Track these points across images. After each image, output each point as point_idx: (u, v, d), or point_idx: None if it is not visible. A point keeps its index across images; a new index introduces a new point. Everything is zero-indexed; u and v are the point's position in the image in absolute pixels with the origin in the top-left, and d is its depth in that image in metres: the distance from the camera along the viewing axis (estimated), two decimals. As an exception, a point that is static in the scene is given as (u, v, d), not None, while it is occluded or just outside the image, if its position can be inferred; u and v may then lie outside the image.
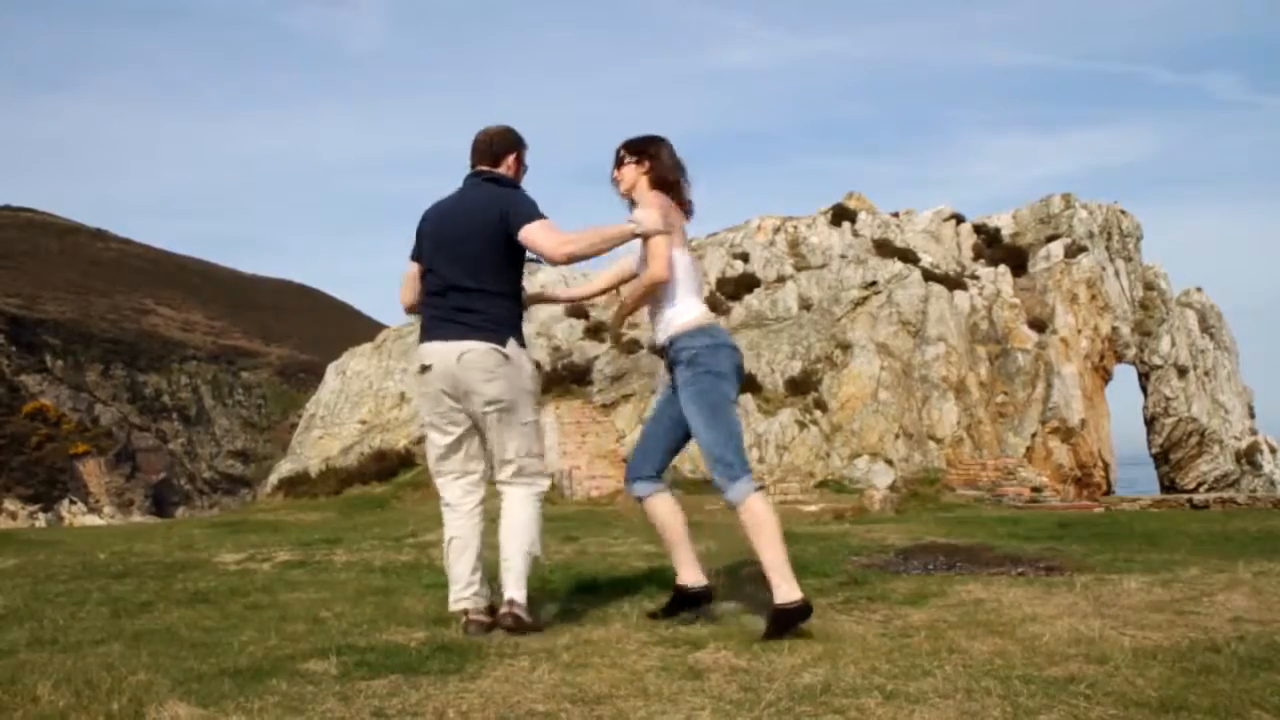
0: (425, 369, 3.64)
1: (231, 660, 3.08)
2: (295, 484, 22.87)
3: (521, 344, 3.68)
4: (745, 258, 24.20)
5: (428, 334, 3.68)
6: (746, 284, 23.30)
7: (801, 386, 19.55)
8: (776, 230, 25.18)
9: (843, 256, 23.47)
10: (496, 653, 3.11)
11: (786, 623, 3.30)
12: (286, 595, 4.71)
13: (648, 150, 3.73)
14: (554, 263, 3.66)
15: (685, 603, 3.71)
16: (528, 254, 3.69)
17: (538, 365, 20.79)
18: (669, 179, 3.70)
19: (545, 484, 3.80)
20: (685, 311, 3.60)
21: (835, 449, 18.61)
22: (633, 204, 3.73)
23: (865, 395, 19.20)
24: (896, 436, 18.78)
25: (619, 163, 3.77)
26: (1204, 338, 25.27)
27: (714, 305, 22.87)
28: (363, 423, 24.67)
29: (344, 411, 25.44)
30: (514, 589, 3.53)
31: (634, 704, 2.47)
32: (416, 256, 3.78)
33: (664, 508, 3.78)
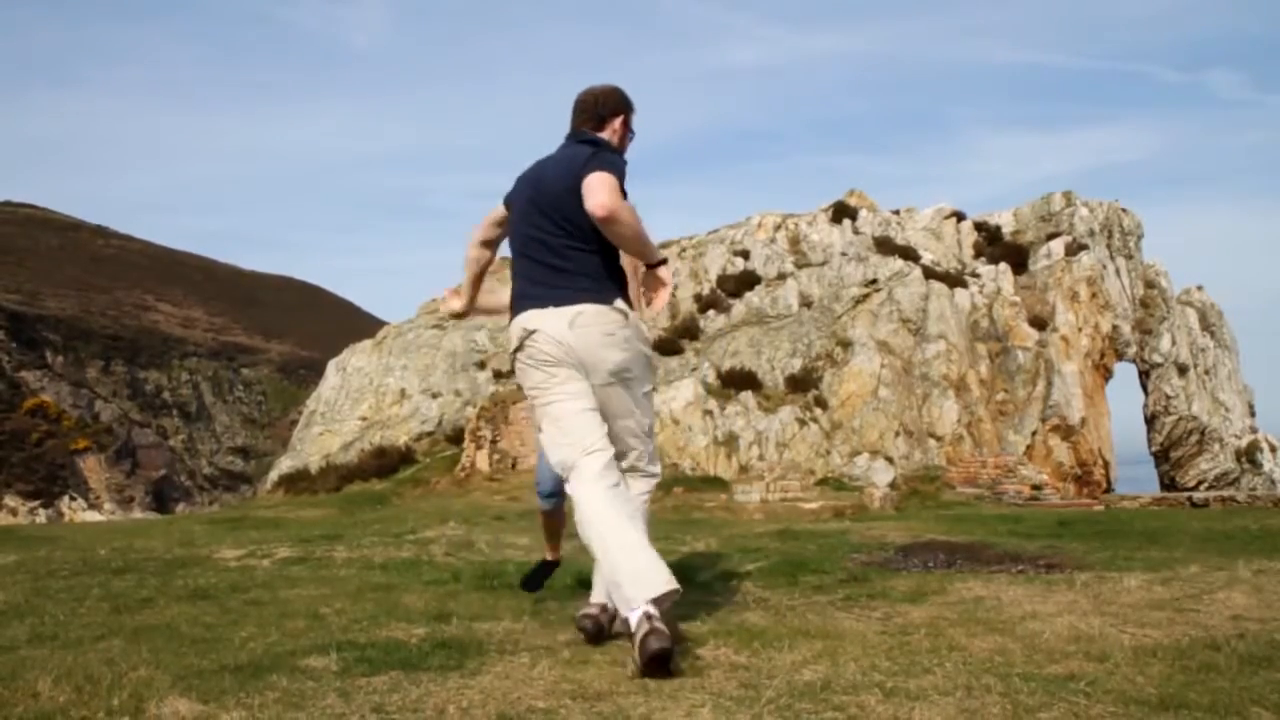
0: (530, 338, 3.21)
1: (232, 656, 3.08)
2: (296, 480, 22.89)
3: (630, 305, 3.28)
4: (746, 255, 24.19)
5: (522, 304, 3.28)
6: (747, 281, 23.30)
7: (802, 384, 19.55)
8: (777, 227, 25.17)
9: (843, 254, 23.47)
10: (497, 649, 3.11)
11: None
12: (287, 591, 4.71)
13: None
14: (591, 214, 3.09)
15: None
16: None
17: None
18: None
19: (658, 464, 3.46)
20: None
21: (835, 446, 18.61)
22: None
23: (866, 393, 19.20)
24: (897, 434, 18.79)
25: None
26: (1204, 336, 25.27)
27: (714, 302, 22.88)
28: (363, 419, 24.68)
29: (344, 408, 25.46)
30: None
31: (634, 700, 2.48)
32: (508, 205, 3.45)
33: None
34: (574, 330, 3.14)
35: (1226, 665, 2.75)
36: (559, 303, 3.18)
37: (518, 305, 3.29)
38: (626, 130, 3.51)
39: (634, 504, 3.17)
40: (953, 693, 2.50)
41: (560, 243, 3.23)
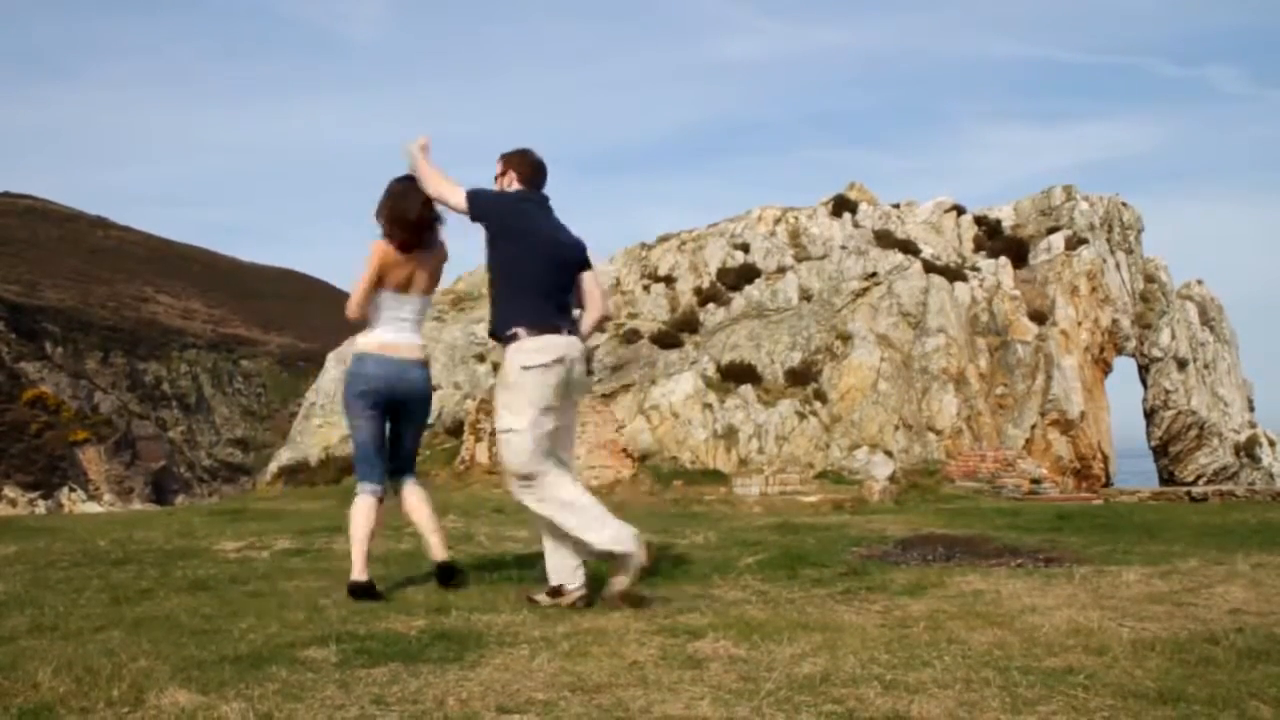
0: (559, 361, 3.95)
1: (231, 647, 3.08)
2: (295, 472, 22.89)
3: None
4: (746, 248, 24.17)
5: (550, 326, 3.99)
6: (747, 274, 23.27)
7: (801, 377, 19.55)
8: (777, 221, 25.14)
9: (843, 247, 23.45)
10: (496, 641, 3.12)
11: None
12: (286, 583, 4.72)
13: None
14: (600, 310, 4.24)
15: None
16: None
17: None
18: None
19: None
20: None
21: (835, 440, 18.62)
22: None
23: (865, 386, 19.21)
24: (896, 428, 18.80)
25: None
26: (1204, 330, 25.26)
27: (713, 295, 22.87)
28: (363, 412, 24.67)
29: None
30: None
31: (633, 693, 2.48)
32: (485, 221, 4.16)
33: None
34: (578, 359, 4.04)
35: (1225, 659, 2.75)
36: (573, 334, 4.06)
37: (550, 325, 3.97)
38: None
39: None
40: (952, 685, 2.51)
41: (568, 295, 4.15)
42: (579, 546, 3.89)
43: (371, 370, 4.35)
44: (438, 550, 4.43)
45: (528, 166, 4.19)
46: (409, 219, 4.24)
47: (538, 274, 4.02)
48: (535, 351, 3.89)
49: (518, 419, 3.88)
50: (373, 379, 4.35)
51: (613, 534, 3.84)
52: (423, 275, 4.34)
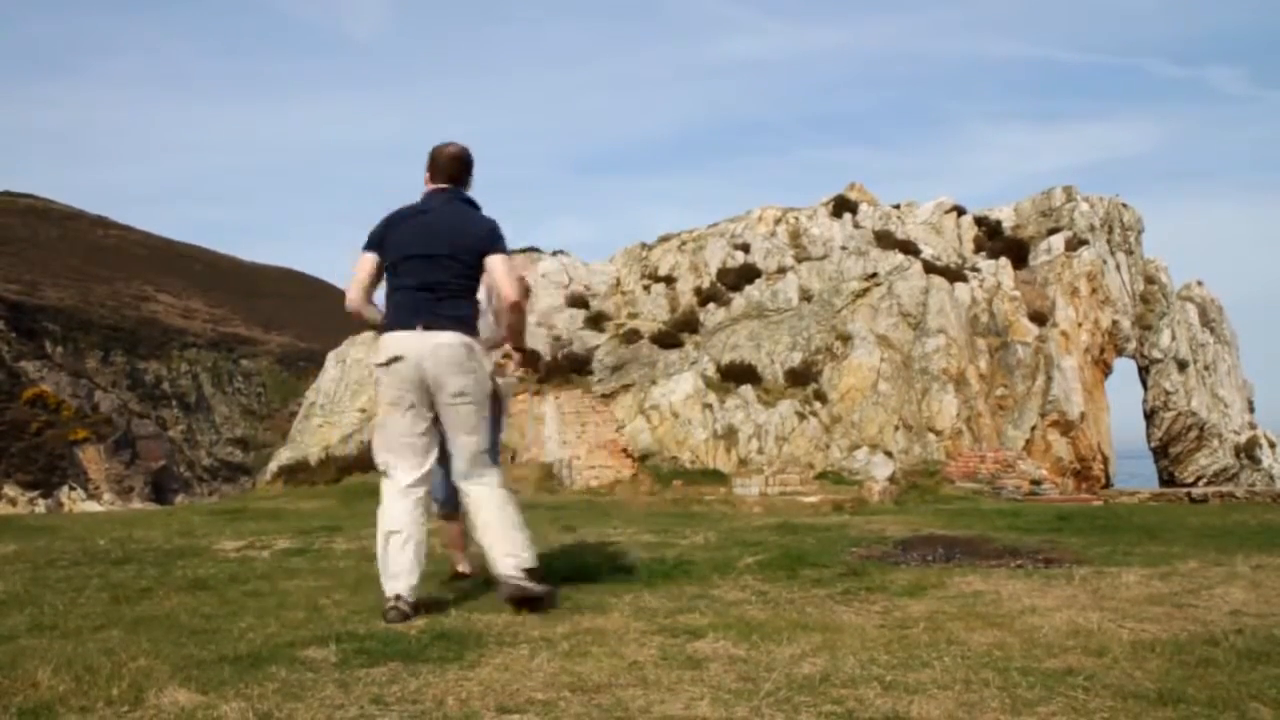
0: (398, 359, 3.87)
1: (231, 647, 3.08)
2: (295, 472, 22.89)
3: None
4: (746, 248, 24.16)
5: (399, 324, 3.93)
6: (747, 275, 23.26)
7: (801, 378, 19.55)
8: (777, 221, 25.13)
9: (843, 248, 23.45)
10: (496, 641, 3.12)
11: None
12: (286, 583, 4.72)
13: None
14: (503, 299, 4.03)
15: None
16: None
17: (538, 355, 20.79)
18: None
19: (501, 473, 4.03)
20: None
21: (835, 440, 18.62)
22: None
23: (865, 387, 19.21)
24: (896, 428, 18.79)
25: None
26: (1204, 332, 25.25)
27: (714, 295, 22.87)
28: (363, 411, 24.67)
29: (344, 400, 25.45)
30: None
31: (633, 693, 2.48)
32: (378, 251, 4.06)
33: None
34: (434, 355, 3.87)
35: (1225, 660, 2.75)
36: (430, 329, 3.91)
37: (400, 324, 3.94)
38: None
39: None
40: (951, 686, 2.51)
41: (448, 289, 3.98)
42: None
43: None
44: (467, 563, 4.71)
45: (430, 162, 4.16)
46: None
47: (399, 277, 3.98)
48: (379, 350, 3.97)
49: (378, 415, 4.08)
50: None
51: (388, 579, 3.73)
52: None
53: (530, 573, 3.78)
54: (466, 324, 3.92)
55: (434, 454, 3.94)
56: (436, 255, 3.91)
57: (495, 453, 4.05)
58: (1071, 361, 21.57)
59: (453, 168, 4.10)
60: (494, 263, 3.92)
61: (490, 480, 3.92)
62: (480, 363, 3.90)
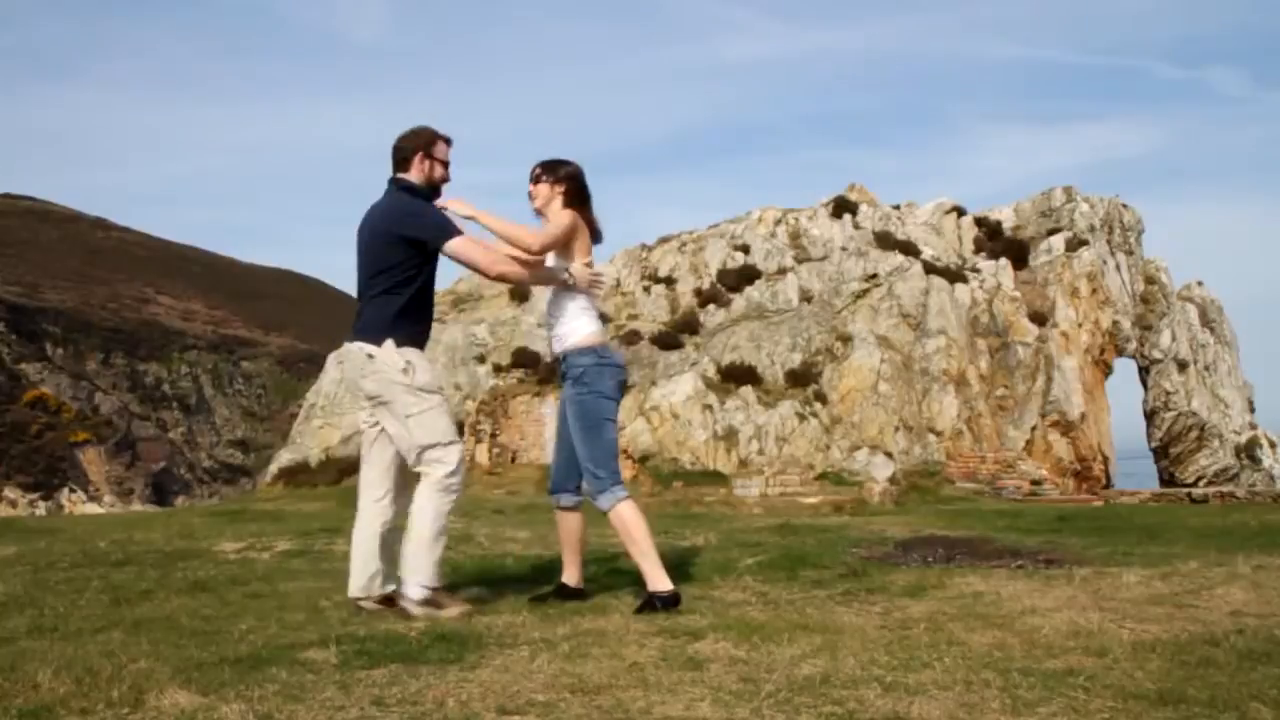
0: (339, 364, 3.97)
1: (231, 648, 3.08)
2: (295, 473, 22.91)
3: (399, 343, 3.83)
4: (746, 249, 24.17)
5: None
6: (747, 275, 23.27)
7: (802, 378, 19.55)
8: (778, 222, 25.14)
9: (844, 249, 23.46)
10: (496, 643, 3.12)
11: (653, 606, 3.68)
12: (286, 584, 4.72)
13: (560, 171, 3.96)
14: (489, 278, 3.94)
15: (564, 595, 4.04)
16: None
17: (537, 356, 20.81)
18: (583, 196, 3.95)
19: (441, 472, 3.86)
20: (577, 330, 3.89)
21: (835, 441, 18.62)
22: (544, 218, 3.97)
23: (865, 387, 19.21)
24: (896, 429, 18.80)
25: (534, 179, 3.98)
26: (1204, 332, 25.26)
27: (714, 296, 22.86)
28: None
29: (344, 401, 25.45)
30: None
31: (633, 694, 2.48)
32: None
33: (574, 521, 4.12)
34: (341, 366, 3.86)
35: (1225, 660, 2.75)
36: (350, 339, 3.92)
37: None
38: (431, 162, 3.97)
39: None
40: (952, 687, 2.51)
41: (368, 290, 3.92)
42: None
43: (620, 361, 4.05)
44: (578, 576, 4.15)
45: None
46: (589, 198, 3.99)
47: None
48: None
49: None
50: (620, 372, 4.02)
51: (353, 576, 3.91)
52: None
53: (421, 595, 3.73)
54: (372, 329, 3.83)
55: (386, 456, 3.93)
56: (360, 256, 3.93)
57: (436, 448, 3.81)
58: (1072, 362, 21.57)
59: (392, 159, 4.02)
60: (449, 249, 3.79)
61: (422, 485, 3.85)
62: (381, 363, 3.78)
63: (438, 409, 3.86)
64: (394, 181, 3.96)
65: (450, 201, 3.92)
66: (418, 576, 3.74)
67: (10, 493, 44.18)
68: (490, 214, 3.89)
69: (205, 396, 61.07)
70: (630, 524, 3.80)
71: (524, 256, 3.85)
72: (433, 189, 3.99)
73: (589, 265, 3.94)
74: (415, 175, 3.94)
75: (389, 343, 3.80)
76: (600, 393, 3.86)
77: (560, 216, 3.87)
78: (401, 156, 3.95)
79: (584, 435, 3.88)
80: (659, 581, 3.75)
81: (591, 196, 3.99)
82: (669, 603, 3.69)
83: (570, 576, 4.11)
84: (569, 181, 3.94)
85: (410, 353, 3.83)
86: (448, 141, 4.04)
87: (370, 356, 3.81)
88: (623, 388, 4.04)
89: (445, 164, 4.02)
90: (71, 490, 46.42)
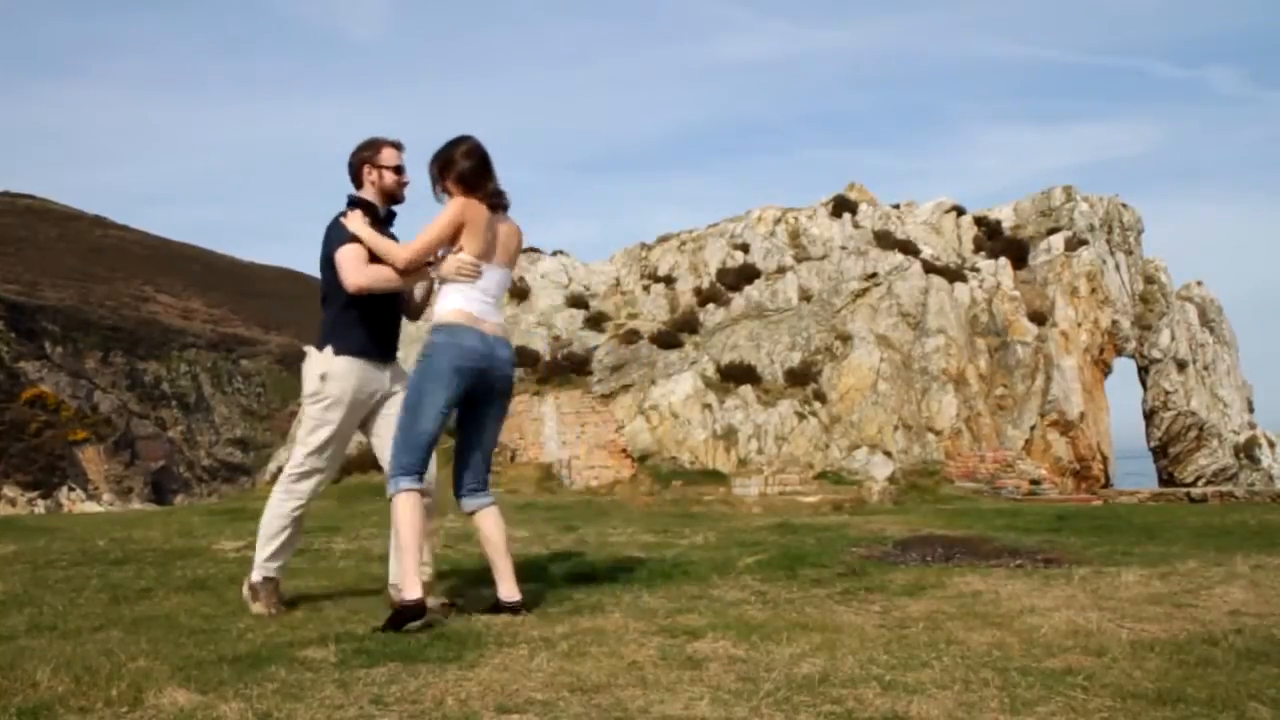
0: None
1: (230, 647, 3.08)
2: (294, 472, 22.88)
3: (337, 350, 3.94)
4: (745, 248, 24.17)
5: None
6: (747, 275, 23.26)
7: (801, 377, 19.55)
8: (777, 221, 25.13)
9: (843, 248, 23.45)
10: (495, 641, 3.12)
11: (398, 621, 3.36)
12: (285, 583, 4.71)
13: (445, 158, 3.83)
14: (349, 290, 3.88)
15: (498, 611, 3.68)
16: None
17: (537, 355, 20.81)
18: (468, 180, 3.79)
19: (293, 475, 4.03)
20: (442, 308, 3.78)
21: (834, 440, 18.62)
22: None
23: (865, 387, 19.21)
24: (896, 428, 18.80)
25: (435, 180, 3.88)
26: (1204, 332, 25.26)
27: (713, 295, 22.85)
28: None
29: (343, 400, 25.47)
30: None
31: (632, 693, 2.48)
32: None
33: (486, 523, 3.89)
34: None
35: (1224, 660, 2.75)
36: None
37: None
38: (379, 172, 4.02)
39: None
40: (951, 686, 2.51)
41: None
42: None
43: (469, 344, 3.68)
44: (510, 588, 3.76)
45: None
46: (492, 170, 3.83)
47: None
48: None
49: None
50: (469, 354, 3.68)
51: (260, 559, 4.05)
52: (505, 245, 3.84)
53: (249, 582, 4.01)
54: (320, 334, 4.01)
55: (328, 453, 4.02)
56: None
57: (298, 447, 4.00)
58: (1071, 361, 21.58)
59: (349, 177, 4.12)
60: (336, 260, 3.89)
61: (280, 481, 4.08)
62: (307, 366, 3.99)
63: (321, 425, 3.95)
64: (348, 199, 4.08)
65: (347, 217, 3.96)
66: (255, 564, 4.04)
67: (9, 491, 44.15)
68: (366, 230, 3.88)
69: (204, 395, 61.02)
70: (401, 520, 3.61)
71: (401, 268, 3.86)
72: (390, 197, 4.05)
73: (459, 252, 3.76)
74: (368, 187, 4.03)
75: (328, 349, 3.95)
76: (428, 373, 3.66)
77: (441, 215, 3.75)
78: (352, 173, 4.06)
79: (405, 407, 3.72)
80: (411, 589, 3.44)
81: (489, 164, 3.81)
82: (408, 615, 3.36)
83: (501, 589, 3.75)
84: (449, 169, 3.79)
85: (342, 362, 3.93)
86: (396, 146, 4.06)
87: (310, 357, 4.01)
88: (479, 376, 3.72)
89: (396, 169, 4.03)
90: (70, 489, 46.38)
